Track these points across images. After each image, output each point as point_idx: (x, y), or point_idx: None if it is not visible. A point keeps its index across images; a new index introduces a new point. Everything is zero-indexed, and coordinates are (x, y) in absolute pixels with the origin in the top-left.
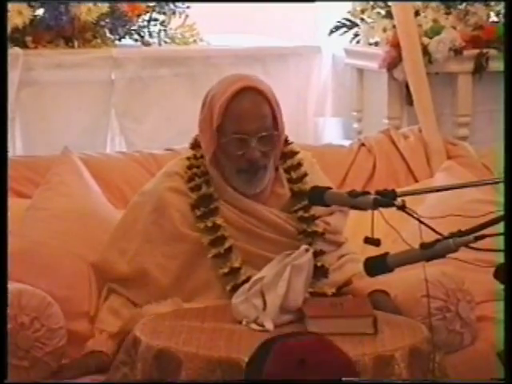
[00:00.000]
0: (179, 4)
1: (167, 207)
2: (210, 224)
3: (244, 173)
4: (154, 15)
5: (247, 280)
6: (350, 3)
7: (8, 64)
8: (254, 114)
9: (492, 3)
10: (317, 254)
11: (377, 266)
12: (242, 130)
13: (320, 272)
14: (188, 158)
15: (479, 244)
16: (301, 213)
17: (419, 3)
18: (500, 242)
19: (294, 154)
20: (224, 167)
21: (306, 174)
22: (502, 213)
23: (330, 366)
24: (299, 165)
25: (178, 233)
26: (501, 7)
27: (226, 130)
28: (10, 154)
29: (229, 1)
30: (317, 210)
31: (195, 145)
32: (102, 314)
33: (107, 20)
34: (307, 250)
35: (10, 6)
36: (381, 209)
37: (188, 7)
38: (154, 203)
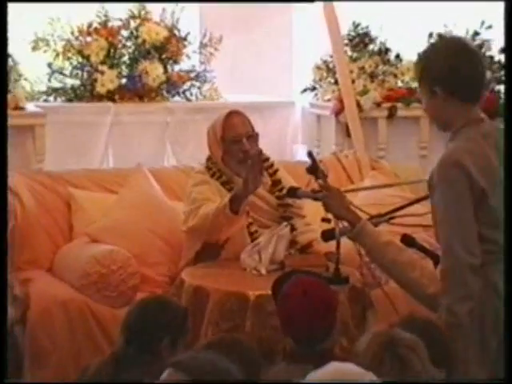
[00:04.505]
0: (208, 76)
1: (208, 182)
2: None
3: (243, 163)
4: (193, 82)
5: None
6: (312, 75)
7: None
8: (241, 124)
9: (400, 76)
10: (292, 230)
11: (328, 235)
12: (237, 134)
13: (293, 244)
14: (206, 167)
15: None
16: (277, 193)
17: (354, 75)
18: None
19: (267, 159)
20: (230, 164)
21: (277, 170)
22: (404, 203)
23: (323, 299)
24: (272, 165)
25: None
26: (405, 77)
27: (226, 137)
28: (105, 167)
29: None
30: None
31: (208, 163)
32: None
33: (165, 85)
34: (286, 226)
35: (105, 75)
36: None
37: (214, 77)
38: (198, 183)
